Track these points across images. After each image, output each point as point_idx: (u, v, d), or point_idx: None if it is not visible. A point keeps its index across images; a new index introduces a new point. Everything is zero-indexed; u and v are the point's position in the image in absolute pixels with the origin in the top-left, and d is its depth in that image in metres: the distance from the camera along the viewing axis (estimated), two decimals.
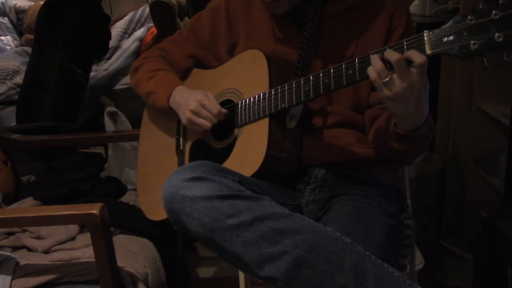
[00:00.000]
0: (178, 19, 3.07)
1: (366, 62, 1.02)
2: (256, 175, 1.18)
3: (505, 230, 1.46)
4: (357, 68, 1.04)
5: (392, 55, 0.97)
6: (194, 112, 1.28)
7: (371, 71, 0.99)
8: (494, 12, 0.89)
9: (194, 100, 1.28)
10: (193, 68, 1.49)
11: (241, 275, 1.52)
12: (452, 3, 2.40)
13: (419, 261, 1.67)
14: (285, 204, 1.16)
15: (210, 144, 1.34)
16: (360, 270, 0.92)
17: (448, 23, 0.94)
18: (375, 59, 0.99)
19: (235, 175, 1.11)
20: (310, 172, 1.24)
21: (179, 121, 1.43)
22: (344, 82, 1.06)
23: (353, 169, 1.25)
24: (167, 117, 1.46)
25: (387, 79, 0.97)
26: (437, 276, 2.11)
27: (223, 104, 1.33)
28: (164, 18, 3.02)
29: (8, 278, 1.26)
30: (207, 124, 1.27)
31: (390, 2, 1.25)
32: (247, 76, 1.30)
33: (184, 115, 1.30)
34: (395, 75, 0.97)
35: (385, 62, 0.98)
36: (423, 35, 0.96)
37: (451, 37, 0.93)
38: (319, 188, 1.23)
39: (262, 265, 0.96)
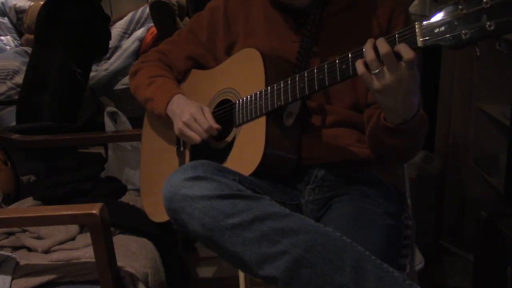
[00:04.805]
0: (178, 19, 3.07)
1: (359, 56, 1.02)
2: (256, 174, 1.18)
3: (505, 230, 1.46)
4: (350, 63, 1.04)
5: (382, 46, 0.97)
6: (186, 124, 1.28)
7: (359, 65, 1.00)
8: (485, 0, 0.88)
9: (187, 112, 1.28)
10: (192, 69, 1.49)
11: (241, 275, 1.52)
12: (452, 3, 2.40)
13: (419, 261, 1.66)
14: (285, 203, 1.16)
15: (209, 144, 1.34)
16: (360, 270, 0.92)
17: (440, 14, 0.93)
18: (368, 49, 0.99)
19: (235, 174, 1.11)
20: (310, 172, 1.24)
21: None
22: (338, 77, 1.06)
23: (353, 169, 1.25)
24: (168, 119, 1.46)
25: (377, 70, 0.98)
26: (437, 276, 2.11)
27: (221, 103, 1.34)
28: (164, 18, 3.02)
29: (8, 278, 1.26)
30: (196, 138, 1.27)
31: (389, 0, 1.25)
32: (243, 75, 1.30)
33: (177, 125, 1.31)
34: (385, 67, 0.97)
35: (377, 53, 0.98)
36: (415, 27, 0.96)
37: (443, 28, 0.93)
38: (319, 188, 1.23)
39: (262, 264, 0.96)
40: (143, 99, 1.44)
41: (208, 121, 1.26)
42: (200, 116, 1.27)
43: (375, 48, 0.98)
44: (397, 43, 0.97)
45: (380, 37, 1.00)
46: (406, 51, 0.95)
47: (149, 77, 1.43)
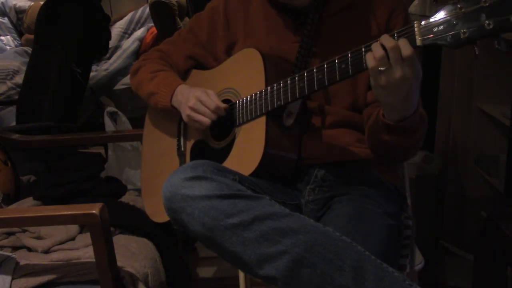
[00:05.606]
0: (178, 19, 3.07)
1: (358, 56, 1.02)
2: (256, 174, 1.18)
3: (505, 230, 1.46)
4: (349, 62, 1.04)
5: (388, 41, 0.96)
6: (193, 109, 1.28)
7: (370, 58, 0.98)
8: None
9: (192, 97, 1.28)
10: (192, 69, 1.49)
11: (241, 275, 1.52)
12: (451, 2, 2.39)
13: (419, 261, 1.67)
14: (285, 203, 1.16)
15: (209, 144, 1.34)
16: (360, 270, 0.92)
17: (439, 13, 0.93)
18: (376, 46, 0.98)
19: (235, 174, 1.11)
20: (310, 172, 1.24)
21: (179, 123, 1.44)
22: (338, 76, 1.06)
23: (353, 169, 1.25)
24: (168, 118, 1.46)
25: (384, 68, 0.97)
26: (437, 276, 2.11)
27: None
28: (164, 18, 3.02)
29: (8, 278, 1.26)
30: (205, 120, 1.27)
31: (388, 0, 1.25)
32: (243, 75, 1.30)
33: (184, 112, 1.31)
34: (392, 64, 0.97)
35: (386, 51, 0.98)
36: (414, 26, 0.95)
37: (442, 27, 0.93)
38: (319, 188, 1.23)
39: (262, 264, 0.96)
40: (146, 94, 1.44)
41: (214, 101, 1.26)
42: (206, 98, 1.27)
43: (383, 47, 0.98)
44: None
45: (378, 37, 1.00)
46: (405, 47, 0.95)
47: (151, 72, 1.43)
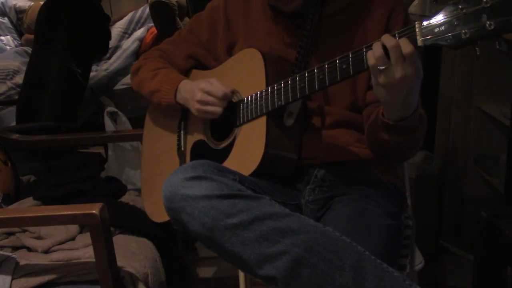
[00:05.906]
0: (178, 19, 3.07)
1: (359, 56, 1.02)
2: (256, 174, 1.18)
3: (505, 230, 1.46)
4: (350, 63, 1.04)
5: (389, 40, 0.96)
6: (201, 102, 1.28)
7: (370, 56, 0.98)
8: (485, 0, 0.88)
9: (197, 90, 1.29)
10: (192, 69, 1.49)
11: (241, 275, 1.52)
12: (452, 3, 2.39)
13: (419, 261, 1.67)
14: (285, 203, 1.16)
15: (210, 145, 1.34)
16: (360, 270, 0.92)
17: (440, 13, 0.93)
18: (376, 45, 0.98)
19: (235, 174, 1.11)
20: (310, 172, 1.24)
21: (180, 122, 1.44)
22: (339, 77, 1.06)
23: (353, 169, 1.25)
24: (169, 118, 1.46)
25: (384, 67, 0.97)
26: (437, 276, 2.11)
27: None
28: (164, 18, 3.02)
29: (8, 278, 1.26)
30: (216, 109, 1.27)
31: (388, 0, 1.25)
32: (244, 75, 1.30)
33: (193, 107, 1.31)
34: (392, 64, 0.97)
35: (385, 51, 0.98)
36: (415, 26, 0.96)
37: (442, 27, 0.93)
38: (318, 188, 1.23)
39: (262, 264, 0.96)
40: (148, 93, 1.43)
41: (220, 88, 1.26)
42: (211, 87, 1.27)
43: (384, 46, 0.98)
44: None
45: (378, 37, 1.00)
46: (406, 45, 0.95)
47: (152, 70, 1.44)
